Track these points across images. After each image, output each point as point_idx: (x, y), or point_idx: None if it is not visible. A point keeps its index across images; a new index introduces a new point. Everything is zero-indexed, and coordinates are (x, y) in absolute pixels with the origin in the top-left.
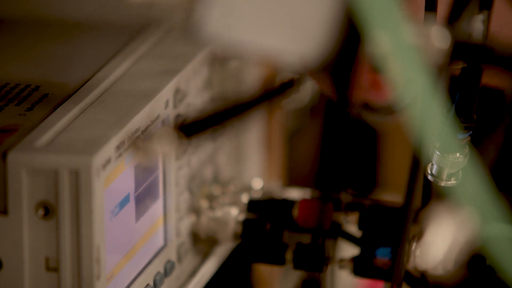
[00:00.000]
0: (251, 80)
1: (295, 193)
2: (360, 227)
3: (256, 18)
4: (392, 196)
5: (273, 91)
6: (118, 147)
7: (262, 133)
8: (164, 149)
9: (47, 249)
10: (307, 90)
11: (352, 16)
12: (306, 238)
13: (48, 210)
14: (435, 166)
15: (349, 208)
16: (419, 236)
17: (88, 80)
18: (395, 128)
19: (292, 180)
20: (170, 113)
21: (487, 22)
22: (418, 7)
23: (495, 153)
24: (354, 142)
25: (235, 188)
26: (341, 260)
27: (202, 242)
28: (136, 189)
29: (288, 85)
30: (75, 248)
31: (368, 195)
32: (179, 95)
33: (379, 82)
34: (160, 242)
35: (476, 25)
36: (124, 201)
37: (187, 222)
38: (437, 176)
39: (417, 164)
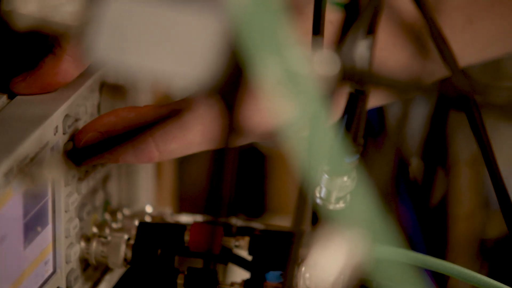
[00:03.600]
0: (142, 104)
1: (186, 218)
2: (251, 251)
3: (145, 42)
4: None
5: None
6: (6, 174)
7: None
8: (53, 176)
9: None
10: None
11: (238, 41)
12: (197, 263)
13: None
14: (323, 189)
15: (239, 233)
16: (308, 259)
17: None
18: (284, 153)
19: (183, 206)
20: (59, 139)
21: (372, 48)
22: (307, 31)
23: (385, 173)
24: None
25: (126, 214)
26: (232, 284)
27: (92, 269)
28: (25, 215)
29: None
30: None
31: (258, 219)
32: (68, 121)
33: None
34: (49, 269)
35: (362, 50)
36: (12, 228)
37: (77, 249)
38: (326, 199)
39: (305, 188)
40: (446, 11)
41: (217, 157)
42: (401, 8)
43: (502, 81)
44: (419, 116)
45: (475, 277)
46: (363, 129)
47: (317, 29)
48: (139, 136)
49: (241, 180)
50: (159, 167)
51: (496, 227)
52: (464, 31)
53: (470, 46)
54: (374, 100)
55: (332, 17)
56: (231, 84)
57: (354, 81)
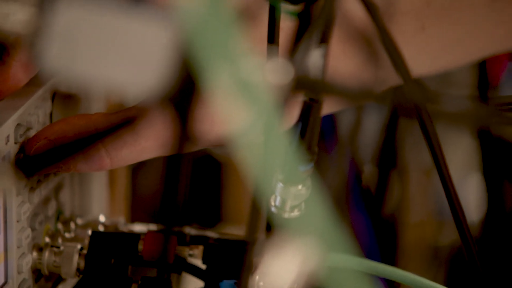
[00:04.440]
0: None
1: (140, 227)
2: (205, 260)
3: (98, 50)
4: (238, 229)
5: (117, 125)
6: None
7: None
8: (4, 185)
9: None
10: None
11: (191, 49)
12: (151, 272)
13: None
14: (278, 198)
15: (193, 242)
16: (262, 267)
17: None
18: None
19: (137, 215)
20: (11, 148)
21: (325, 56)
22: (260, 39)
23: (339, 181)
24: (199, 174)
25: (78, 224)
26: None
27: (45, 279)
28: None
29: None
30: None
31: (213, 228)
32: (20, 130)
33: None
34: (1, 279)
35: (315, 58)
36: None
37: (29, 259)
38: (280, 207)
39: (258, 196)
40: (397, 16)
41: (171, 165)
42: (353, 15)
43: (451, 88)
44: (372, 123)
45: (428, 284)
46: (317, 137)
47: (272, 37)
48: (90, 144)
49: (196, 188)
50: (112, 176)
51: (449, 235)
52: (416, 37)
53: (422, 54)
54: (327, 107)
55: (285, 25)
56: (184, 92)
57: (307, 89)
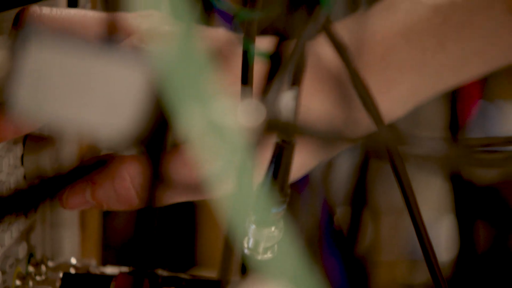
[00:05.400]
0: (67, 156)
1: (111, 270)
2: None
3: (70, 92)
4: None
5: (88, 167)
6: None
7: (78, 210)
8: None
9: None
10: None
11: (164, 92)
12: None
13: None
14: (251, 240)
15: (165, 284)
16: None
17: None
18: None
19: (108, 257)
20: None
21: (297, 98)
22: (233, 81)
23: (311, 223)
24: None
25: (50, 266)
26: None
27: None
28: None
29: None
30: None
31: (186, 271)
32: None
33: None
34: None
35: (287, 100)
36: None
37: None
38: (254, 249)
39: (231, 237)
40: (368, 62)
41: (143, 207)
42: (324, 57)
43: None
44: (344, 164)
45: None
46: (289, 179)
47: (245, 78)
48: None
49: (170, 231)
50: (83, 217)
51: (421, 275)
52: (436, 55)
53: (445, 70)
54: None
55: (257, 67)
56: (157, 135)
57: (279, 131)
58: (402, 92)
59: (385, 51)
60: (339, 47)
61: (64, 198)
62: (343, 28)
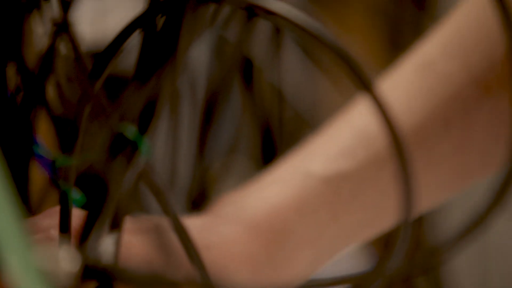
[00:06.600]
0: None
1: None
2: None
3: None
4: None
5: None
6: None
7: None
8: None
9: None
10: None
11: None
12: None
13: None
14: None
15: None
16: None
17: None
18: None
19: None
20: None
21: (117, 243)
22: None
23: None
24: None
25: None
26: None
27: None
28: None
29: None
30: None
31: None
32: None
33: None
34: None
35: (106, 245)
36: None
37: None
38: None
39: None
40: (268, 240)
41: None
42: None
43: None
44: None
45: None
46: None
47: (64, 226)
48: None
49: None
50: None
51: None
52: (330, 226)
53: (342, 237)
54: None
55: (76, 213)
56: None
57: (98, 276)
58: (301, 267)
59: (283, 226)
60: (157, 193)
61: None
62: (229, 204)
